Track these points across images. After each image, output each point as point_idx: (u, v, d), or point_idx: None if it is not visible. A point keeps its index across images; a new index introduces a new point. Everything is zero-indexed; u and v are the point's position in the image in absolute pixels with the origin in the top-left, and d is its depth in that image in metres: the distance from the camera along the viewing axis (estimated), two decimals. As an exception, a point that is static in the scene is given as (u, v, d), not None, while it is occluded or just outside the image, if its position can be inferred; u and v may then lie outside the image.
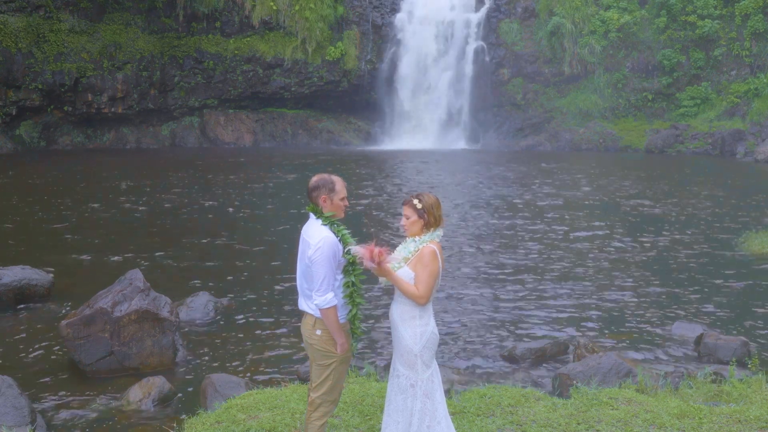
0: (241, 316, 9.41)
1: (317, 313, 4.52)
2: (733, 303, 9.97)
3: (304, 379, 6.85)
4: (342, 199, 4.61)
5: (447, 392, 5.80)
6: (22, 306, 9.68)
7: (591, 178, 24.71)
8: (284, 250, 13.10)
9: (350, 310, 4.58)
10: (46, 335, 8.59)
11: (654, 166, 29.30)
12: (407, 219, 4.60)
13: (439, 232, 4.62)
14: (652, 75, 37.68)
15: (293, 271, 4.90)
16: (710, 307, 9.77)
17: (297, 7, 37.47)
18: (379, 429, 4.87)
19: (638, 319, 9.30)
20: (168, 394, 6.70)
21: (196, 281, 11.05)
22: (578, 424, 5.53)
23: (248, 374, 7.33)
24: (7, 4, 32.90)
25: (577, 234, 14.87)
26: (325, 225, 4.52)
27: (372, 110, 39.75)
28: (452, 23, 38.95)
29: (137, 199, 19.51)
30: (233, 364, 7.75)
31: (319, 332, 4.56)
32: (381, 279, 4.61)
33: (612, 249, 13.46)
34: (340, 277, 4.55)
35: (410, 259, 4.54)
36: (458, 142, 38.47)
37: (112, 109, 36.22)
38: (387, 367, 6.34)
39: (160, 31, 37.27)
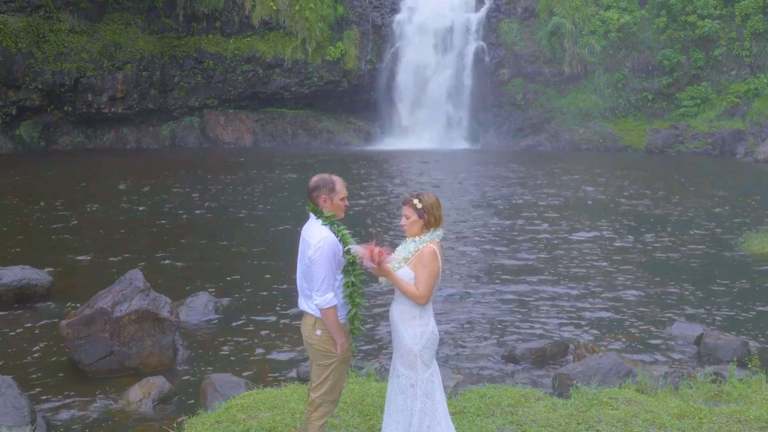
0: (241, 316, 9.41)
1: (317, 313, 4.52)
2: (733, 303, 9.97)
3: (304, 379, 6.85)
4: (342, 199, 4.60)
5: (447, 392, 5.80)
6: (22, 306, 9.67)
7: (591, 178, 24.71)
8: (284, 250, 13.10)
9: (350, 310, 4.58)
10: (46, 335, 8.59)
11: (654, 166, 29.30)
12: (407, 219, 4.60)
13: (439, 232, 4.62)
14: (652, 75, 37.69)
15: (293, 271, 4.90)
16: (710, 307, 9.77)
17: (297, 7, 37.48)
18: (379, 429, 4.87)
19: (638, 319, 9.30)
20: (168, 394, 6.70)
21: (196, 281, 11.04)
22: (578, 424, 5.53)
23: (248, 374, 7.33)
24: (7, 4, 32.90)
25: (577, 234, 14.87)
26: (326, 225, 4.52)
27: (372, 110, 39.76)
28: (452, 23, 38.96)
29: (137, 199, 19.51)
30: (233, 364, 7.75)
31: (319, 332, 4.56)
32: (381, 279, 4.61)
33: (612, 249, 13.46)
34: (340, 277, 4.55)
35: (410, 259, 4.54)
36: (458, 142, 38.48)
37: (112, 109, 36.23)
38: (387, 367, 6.34)
39: (160, 31, 37.28)
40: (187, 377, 7.44)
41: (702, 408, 5.80)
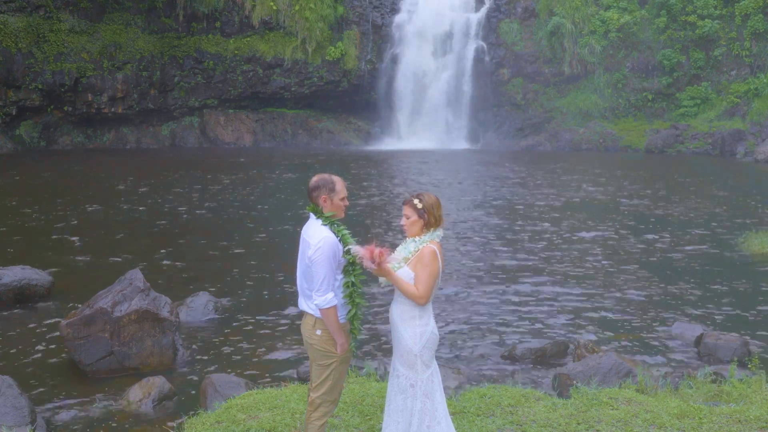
0: (241, 316, 9.41)
1: (317, 313, 4.52)
2: (733, 303, 9.96)
3: (304, 379, 6.85)
4: (342, 199, 4.61)
5: (447, 392, 5.80)
6: (22, 306, 9.67)
7: (591, 178, 24.71)
8: (284, 251, 13.10)
9: (350, 310, 4.58)
10: (46, 335, 8.59)
11: (654, 166, 29.30)
12: (407, 219, 4.60)
13: (439, 232, 4.62)
14: (652, 75, 37.69)
15: (293, 271, 4.90)
16: (710, 307, 9.77)
17: (297, 7, 37.48)
18: (379, 429, 4.87)
19: (638, 319, 9.30)
20: (168, 394, 6.70)
21: (196, 281, 11.04)
22: (578, 424, 5.53)
23: (248, 374, 7.33)
24: (7, 4, 32.91)
25: (577, 234, 14.87)
26: (326, 225, 4.52)
27: (372, 110, 39.76)
28: (452, 23, 38.95)
29: (137, 199, 19.51)
30: (233, 364, 7.75)
31: (319, 332, 4.56)
32: (381, 279, 4.61)
33: (612, 249, 13.46)
34: (340, 277, 4.55)
35: (410, 259, 4.54)
36: (458, 141, 38.48)
37: (112, 109, 36.23)
38: (387, 367, 6.34)
39: (160, 31, 37.29)
40: (187, 377, 7.44)
41: (702, 408, 5.80)
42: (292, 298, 9.62)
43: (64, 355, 7.88)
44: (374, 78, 39.10)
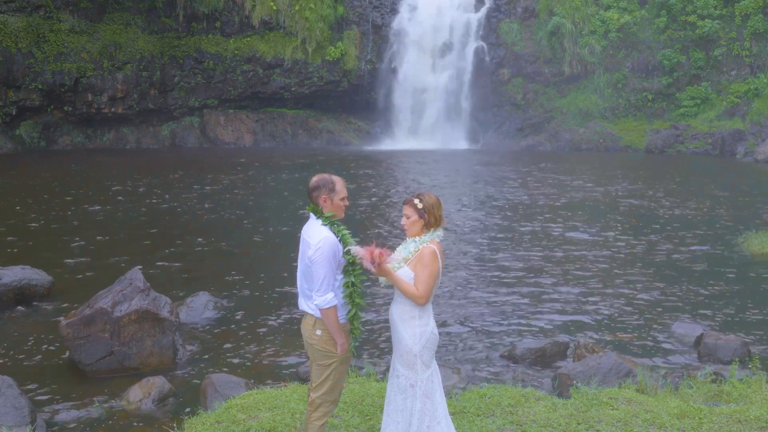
0: (241, 316, 9.41)
1: (317, 313, 4.52)
2: (733, 303, 9.97)
3: (304, 379, 6.85)
4: (342, 199, 4.60)
5: (447, 392, 5.80)
6: (22, 306, 9.67)
7: (591, 178, 24.71)
8: (284, 251, 13.10)
9: (350, 310, 4.58)
10: (46, 335, 8.59)
11: (654, 166, 29.30)
12: (407, 218, 4.60)
13: (440, 232, 4.62)
14: (652, 75, 37.68)
15: (293, 271, 4.90)
16: (710, 307, 9.77)
17: (297, 7, 37.48)
18: (379, 429, 4.87)
19: (638, 319, 9.30)
20: (168, 394, 6.70)
21: (196, 281, 11.05)
22: (578, 424, 5.53)
23: (248, 374, 7.33)
24: (7, 4, 32.91)
25: (577, 234, 14.87)
26: (326, 225, 4.52)
27: (372, 110, 39.75)
28: (452, 23, 38.95)
29: (137, 199, 19.51)
30: (233, 364, 7.75)
31: (319, 332, 4.56)
32: (381, 279, 4.61)
33: (612, 249, 13.46)
34: (340, 277, 4.55)
35: (410, 259, 4.54)
36: (458, 142, 38.48)
37: (112, 109, 36.23)
38: (387, 367, 6.34)
39: (160, 31, 37.28)
40: (187, 377, 7.44)
41: (702, 408, 5.80)
42: (292, 298, 9.62)
43: (64, 355, 7.88)
44: (374, 78, 39.10)
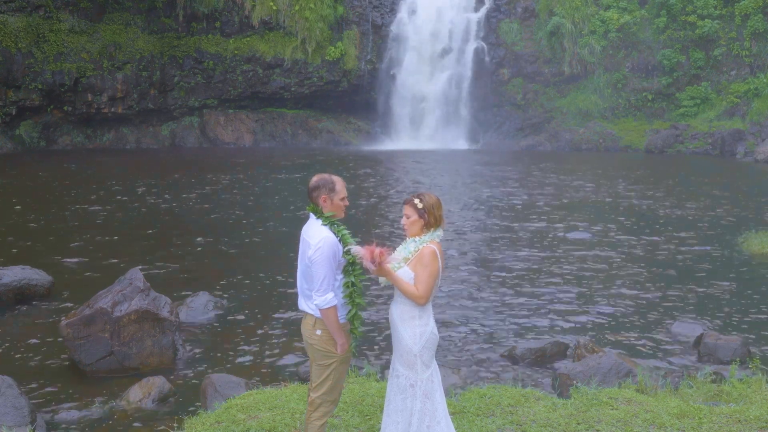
0: (241, 316, 9.41)
1: (317, 313, 4.52)
2: (733, 303, 9.97)
3: (304, 379, 6.85)
4: (342, 199, 4.61)
5: (447, 392, 5.80)
6: (22, 306, 9.68)
7: (591, 178, 24.71)
8: (284, 251, 13.11)
9: (350, 310, 4.58)
10: (46, 335, 8.59)
11: (654, 166, 29.30)
12: (408, 218, 4.60)
13: (439, 232, 4.62)
14: (652, 75, 37.68)
15: (293, 271, 4.90)
16: (710, 307, 9.77)
17: (297, 7, 37.47)
18: (379, 429, 4.87)
19: (638, 319, 9.30)
20: (168, 394, 6.70)
21: (196, 281, 11.05)
22: (578, 424, 5.54)
23: (248, 374, 7.33)
24: (7, 4, 32.90)
25: (578, 234, 14.87)
26: (325, 225, 4.52)
27: (372, 110, 39.75)
28: (452, 23, 38.94)
29: (137, 199, 19.51)
30: (233, 364, 7.76)
31: (319, 332, 4.56)
32: (381, 279, 4.61)
33: (612, 249, 13.46)
34: (340, 277, 4.55)
35: (410, 259, 4.54)
36: (458, 142, 38.47)
37: (112, 109, 36.22)
38: (387, 367, 6.34)
39: (160, 31, 37.27)
40: (187, 377, 7.44)
41: (702, 408, 5.80)
42: (292, 298, 9.62)
43: (64, 355, 7.88)
44: (374, 78, 39.09)
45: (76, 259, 12.51)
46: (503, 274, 11.58)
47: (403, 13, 39.16)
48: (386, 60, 39.02)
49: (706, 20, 36.18)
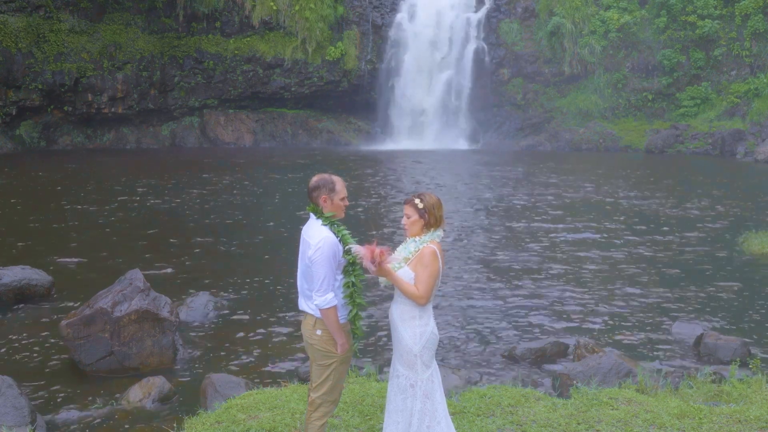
0: (241, 316, 9.41)
1: (317, 314, 4.52)
2: (733, 303, 9.97)
3: (304, 379, 6.85)
4: (342, 199, 4.60)
5: (447, 392, 5.80)
6: (22, 306, 9.67)
7: (591, 178, 24.70)
8: (284, 251, 13.11)
9: (350, 311, 4.57)
10: (46, 335, 8.59)
11: (654, 167, 29.30)
12: (408, 218, 4.60)
13: (440, 232, 4.62)
14: (652, 75, 37.67)
15: (293, 271, 4.90)
16: (710, 307, 9.77)
17: (297, 7, 37.47)
18: (379, 429, 4.87)
19: (638, 319, 9.30)
20: (168, 394, 6.70)
21: (196, 281, 11.05)
22: (578, 424, 5.53)
23: (248, 374, 7.33)
24: (7, 4, 32.89)
25: (577, 234, 14.87)
26: (326, 225, 4.52)
27: (372, 110, 39.75)
28: (452, 23, 38.94)
29: (137, 199, 19.51)
30: (233, 364, 7.75)
31: (319, 332, 4.56)
32: (381, 279, 4.61)
33: (612, 249, 13.46)
34: (340, 277, 4.54)
35: (410, 259, 4.54)
36: (458, 142, 38.47)
37: (112, 109, 36.21)
38: (387, 367, 6.34)
39: (160, 31, 37.27)
40: (187, 377, 7.44)
41: (702, 408, 5.80)
42: (292, 298, 9.61)
43: (64, 355, 7.88)
44: (374, 78, 39.09)
45: (76, 259, 12.51)
46: (503, 273, 11.58)
47: (403, 13, 39.15)
48: (386, 60, 39.00)
49: (707, 20, 36.18)
